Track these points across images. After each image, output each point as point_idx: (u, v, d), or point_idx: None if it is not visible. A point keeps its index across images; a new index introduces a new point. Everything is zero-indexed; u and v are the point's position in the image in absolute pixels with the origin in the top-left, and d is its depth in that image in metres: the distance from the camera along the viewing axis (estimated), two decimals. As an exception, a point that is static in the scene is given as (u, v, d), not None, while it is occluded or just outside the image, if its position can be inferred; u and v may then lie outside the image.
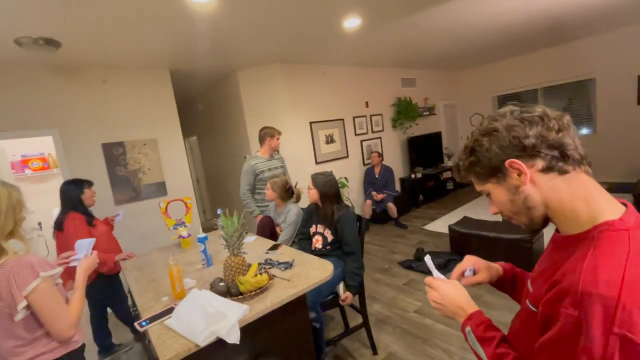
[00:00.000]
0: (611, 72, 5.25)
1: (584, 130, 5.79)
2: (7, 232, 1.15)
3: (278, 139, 3.17)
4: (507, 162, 0.62)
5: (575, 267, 0.54)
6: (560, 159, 0.60)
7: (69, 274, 1.51)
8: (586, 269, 0.52)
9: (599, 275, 0.50)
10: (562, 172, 0.60)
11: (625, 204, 0.60)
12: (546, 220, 0.65)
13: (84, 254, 1.49)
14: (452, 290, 0.79)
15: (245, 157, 4.66)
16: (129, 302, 2.59)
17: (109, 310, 2.57)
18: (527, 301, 0.66)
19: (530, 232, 0.70)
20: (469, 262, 0.90)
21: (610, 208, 0.58)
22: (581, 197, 0.59)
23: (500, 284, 0.91)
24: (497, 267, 0.91)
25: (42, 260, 1.17)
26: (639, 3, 3.81)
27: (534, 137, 0.60)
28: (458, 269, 0.89)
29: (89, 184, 2.42)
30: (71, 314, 1.20)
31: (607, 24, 4.61)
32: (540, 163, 0.61)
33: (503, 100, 6.79)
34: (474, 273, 0.90)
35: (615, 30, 5.04)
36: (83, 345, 1.33)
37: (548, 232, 0.70)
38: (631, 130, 5.21)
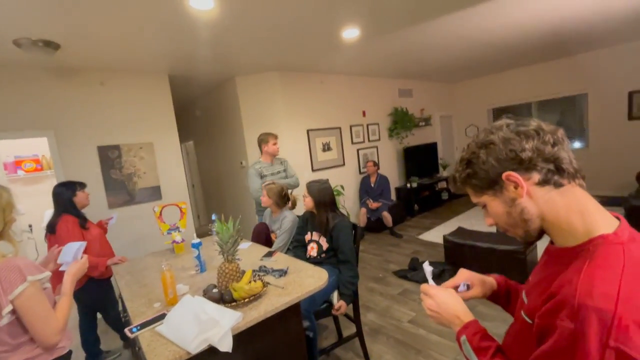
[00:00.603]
0: (603, 88, 5.37)
1: (576, 144, 5.89)
2: None
3: (274, 143, 3.15)
4: (504, 175, 0.63)
5: (572, 280, 0.54)
6: (555, 172, 0.61)
7: (58, 277, 1.48)
8: (582, 281, 0.52)
9: (595, 288, 0.51)
10: (558, 185, 0.61)
11: (618, 218, 0.61)
12: (541, 233, 0.66)
13: (74, 258, 1.46)
14: (448, 299, 0.79)
15: (241, 163, 4.67)
16: (120, 308, 2.54)
17: (98, 315, 2.52)
18: (522, 313, 0.66)
19: (525, 244, 0.70)
20: (463, 276, 0.90)
21: (605, 221, 0.59)
22: (576, 210, 0.60)
23: (494, 297, 0.91)
24: (492, 280, 0.91)
25: (31, 263, 1.15)
26: (632, 22, 3.92)
27: (530, 150, 0.61)
28: (451, 283, 0.89)
29: (82, 186, 2.40)
30: (58, 320, 1.18)
31: (600, 41, 4.74)
32: (536, 176, 0.62)
33: (498, 112, 6.89)
34: (468, 288, 0.89)
35: (609, 47, 5.18)
36: (70, 352, 1.30)
37: (541, 244, 0.71)
38: (622, 145, 5.31)
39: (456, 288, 0.89)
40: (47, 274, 1.19)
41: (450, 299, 0.79)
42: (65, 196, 2.28)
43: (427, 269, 0.88)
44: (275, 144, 3.16)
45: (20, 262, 1.11)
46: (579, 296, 0.51)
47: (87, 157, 3.28)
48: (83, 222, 2.31)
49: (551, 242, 0.68)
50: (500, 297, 0.90)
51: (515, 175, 0.62)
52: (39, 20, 2.15)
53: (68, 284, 1.31)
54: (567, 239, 0.61)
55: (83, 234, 2.26)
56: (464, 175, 0.70)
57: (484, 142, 0.66)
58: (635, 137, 5.18)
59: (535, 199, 0.63)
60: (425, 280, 0.87)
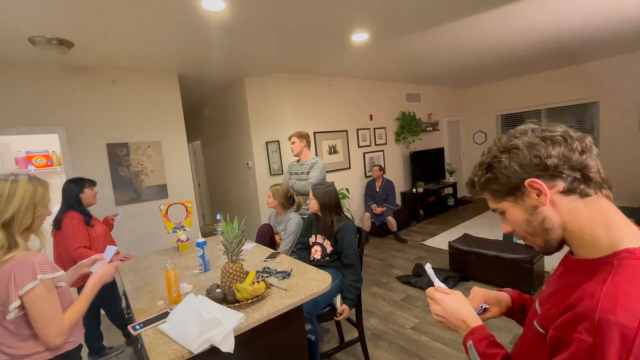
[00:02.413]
0: (615, 97, 5.29)
1: (587, 153, 5.80)
2: (24, 228, 1.14)
3: (292, 142, 3.12)
4: (527, 182, 0.61)
5: (593, 293, 0.52)
6: (582, 181, 0.58)
7: (82, 277, 1.48)
8: (605, 295, 0.50)
9: (618, 303, 0.49)
10: (584, 195, 0.59)
11: None
12: (561, 243, 0.64)
13: (103, 262, 1.43)
14: (454, 303, 0.78)
15: (248, 164, 4.68)
16: (123, 305, 2.56)
17: (102, 312, 2.54)
18: (535, 322, 0.64)
19: (544, 254, 0.68)
20: (479, 298, 0.88)
21: (631, 235, 0.57)
22: (601, 222, 0.58)
23: (510, 313, 0.89)
24: (506, 297, 0.89)
25: (46, 261, 1.14)
26: (644, 30, 3.87)
27: (556, 157, 0.59)
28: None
29: (91, 183, 2.42)
30: (63, 321, 1.15)
31: (612, 49, 4.67)
32: (561, 184, 0.59)
33: (506, 119, 6.83)
34: (484, 310, 0.87)
35: (620, 55, 5.10)
36: (80, 346, 1.30)
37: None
38: (634, 155, 5.22)
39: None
40: (61, 273, 1.18)
41: (457, 304, 0.78)
42: (72, 192, 2.31)
43: (429, 271, 0.85)
44: (292, 142, 3.12)
45: (36, 258, 1.11)
46: (601, 310, 0.49)
47: (96, 154, 3.32)
48: (88, 219, 2.33)
49: (570, 253, 0.66)
50: (515, 312, 0.88)
51: (539, 182, 0.60)
52: (54, 18, 2.19)
53: (90, 286, 1.29)
54: (590, 250, 0.59)
55: (88, 231, 2.28)
56: (483, 179, 0.68)
57: (507, 147, 0.64)
58: (648, 147, 5.09)
59: (559, 207, 0.60)
60: (431, 285, 0.85)
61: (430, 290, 0.82)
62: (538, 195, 0.61)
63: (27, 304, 1.09)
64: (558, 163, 0.59)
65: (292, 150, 3.15)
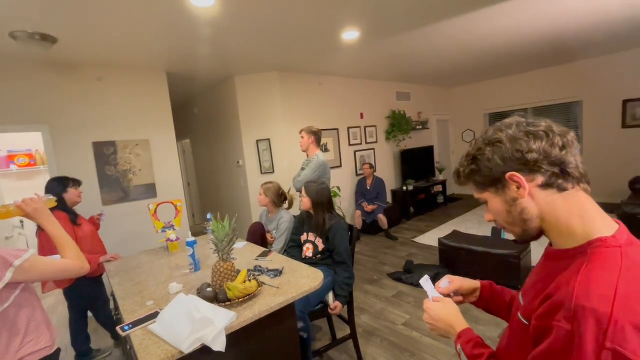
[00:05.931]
0: (598, 96, 5.44)
1: (571, 151, 5.96)
2: None
3: (301, 137, 3.02)
4: (507, 175, 0.63)
5: (569, 281, 0.54)
6: (560, 176, 0.60)
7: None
8: (580, 283, 0.53)
9: (592, 290, 0.51)
10: (561, 189, 0.61)
11: (618, 223, 0.61)
12: (540, 233, 0.66)
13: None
14: (442, 310, 0.81)
15: (238, 163, 4.65)
16: (112, 306, 2.51)
17: (89, 314, 2.49)
18: (519, 314, 0.66)
19: (522, 242, 0.71)
20: (458, 281, 0.92)
21: (605, 225, 0.59)
22: (577, 214, 0.60)
23: (480, 301, 0.93)
24: (479, 286, 0.93)
25: (10, 249, 1.12)
26: (628, 31, 3.98)
27: (537, 152, 0.60)
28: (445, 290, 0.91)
29: (75, 183, 2.36)
30: (72, 255, 1.22)
31: (596, 49, 4.80)
32: (540, 179, 0.61)
33: (494, 118, 6.95)
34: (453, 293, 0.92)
35: (604, 56, 5.25)
36: (58, 350, 1.27)
37: (536, 248, 0.71)
38: (616, 153, 5.38)
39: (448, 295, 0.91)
40: (32, 251, 1.16)
41: (443, 310, 0.81)
42: (55, 192, 2.24)
43: (424, 286, 0.89)
44: (300, 138, 3.01)
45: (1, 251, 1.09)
46: (576, 298, 0.51)
47: (82, 153, 3.24)
48: (74, 217, 2.28)
49: (550, 244, 0.68)
50: (485, 300, 0.92)
51: (518, 176, 0.62)
52: (36, 13, 2.12)
53: (48, 221, 1.25)
54: (566, 241, 0.62)
55: (75, 231, 2.23)
56: (468, 170, 0.70)
57: (491, 140, 0.66)
58: (629, 145, 5.25)
59: (537, 200, 0.62)
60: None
61: (425, 301, 0.87)
62: (518, 188, 0.63)
63: (29, 279, 1.11)
64: (538, 158, 0.60)
65: (301, 146, 3.06)
